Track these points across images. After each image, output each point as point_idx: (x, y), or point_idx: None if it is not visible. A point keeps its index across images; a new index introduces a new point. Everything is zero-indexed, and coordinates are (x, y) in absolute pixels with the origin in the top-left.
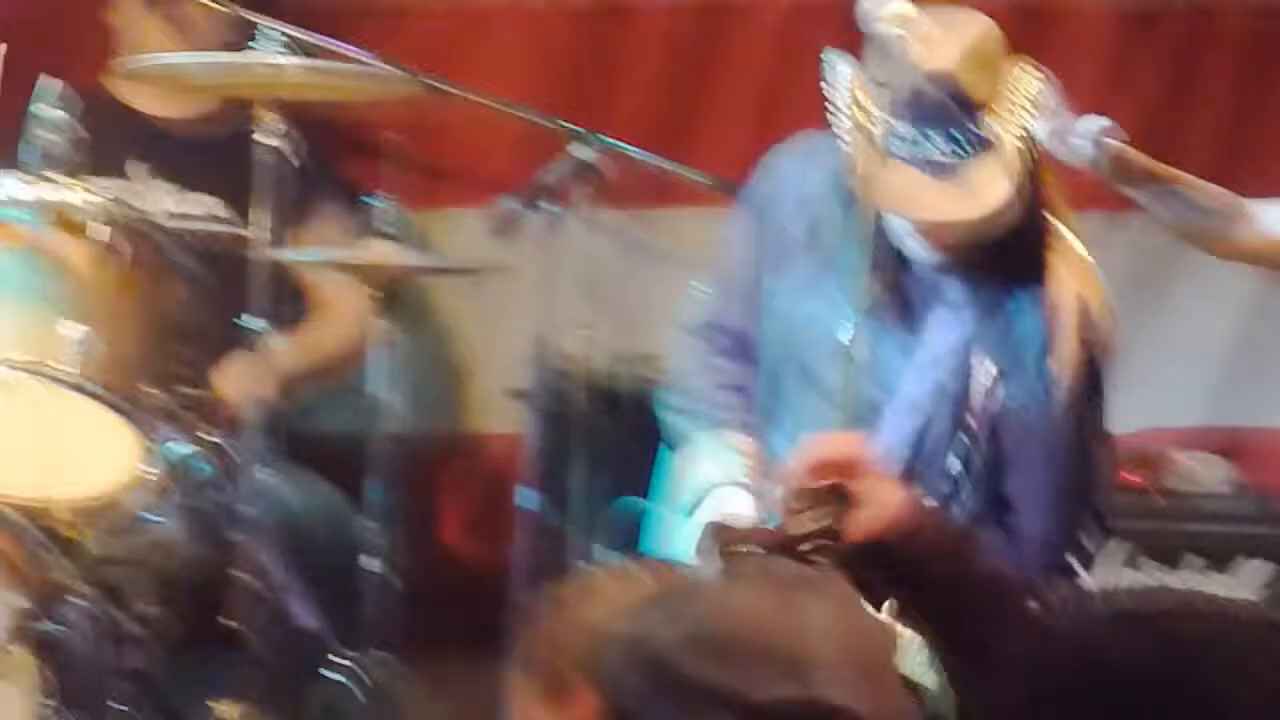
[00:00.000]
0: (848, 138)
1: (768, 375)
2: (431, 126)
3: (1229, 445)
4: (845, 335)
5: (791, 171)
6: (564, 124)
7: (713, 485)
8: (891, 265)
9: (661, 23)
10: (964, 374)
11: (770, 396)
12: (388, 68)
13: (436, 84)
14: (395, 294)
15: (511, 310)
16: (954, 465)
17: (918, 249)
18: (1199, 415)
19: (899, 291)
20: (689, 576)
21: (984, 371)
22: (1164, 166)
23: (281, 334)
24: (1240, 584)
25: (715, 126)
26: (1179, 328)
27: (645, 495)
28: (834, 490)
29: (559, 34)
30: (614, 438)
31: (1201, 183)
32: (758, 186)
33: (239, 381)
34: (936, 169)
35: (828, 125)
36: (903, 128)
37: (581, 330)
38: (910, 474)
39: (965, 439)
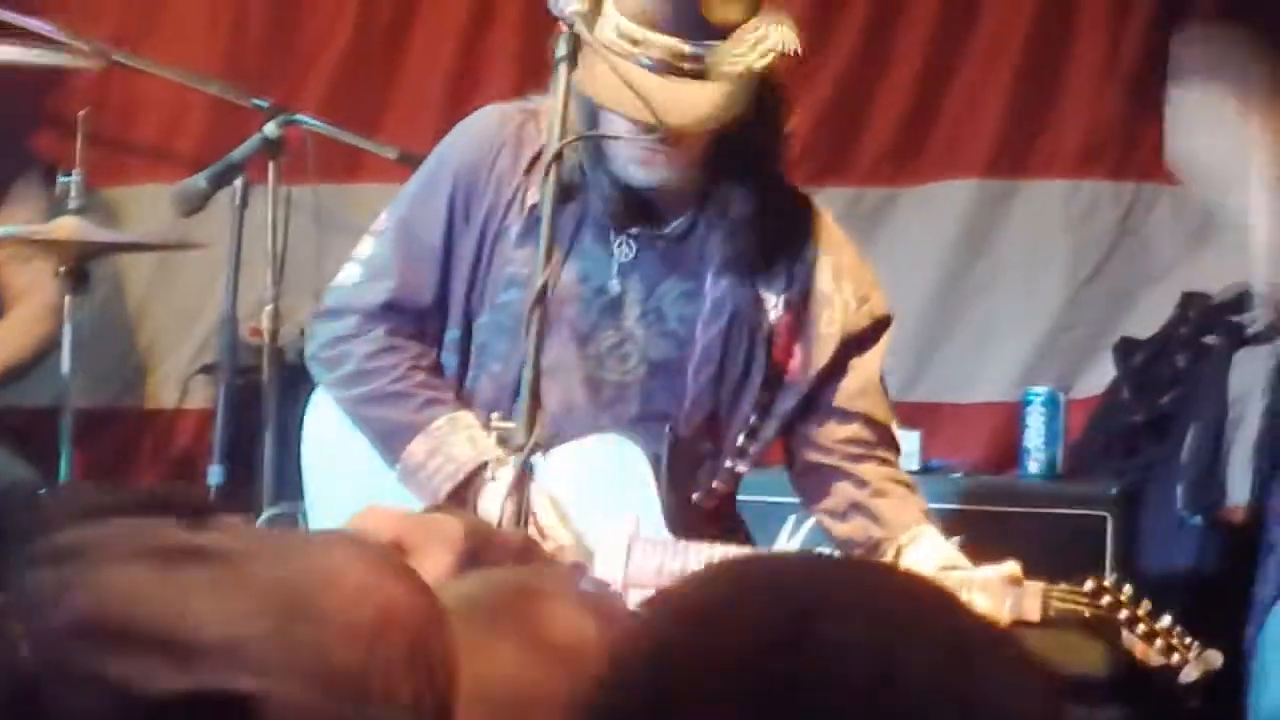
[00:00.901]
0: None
1: (503, 351)
2: (121, 101)
3: (918, 419)
4: (614, 288)
5: (489, 134)
6: (254, 100)
7: (480, 465)
8: (648, 214)
9: None
10: (752, 315)
11: (501, 370)
12: (75, 41)
13: (125, 59)
14: (84, 270)
15: (201, 286)
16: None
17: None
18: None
19: (669, 239)
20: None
21: (770, 306)
22: None
23: None
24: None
25: (405, 101)
26: None
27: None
28: None
29: (251, 8)
30: (303, 412)
31: None
32: (453, 158)
33: None
34: (664, 71)
35: (517, 97)
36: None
37: (271, 306)
38: (716, 425)
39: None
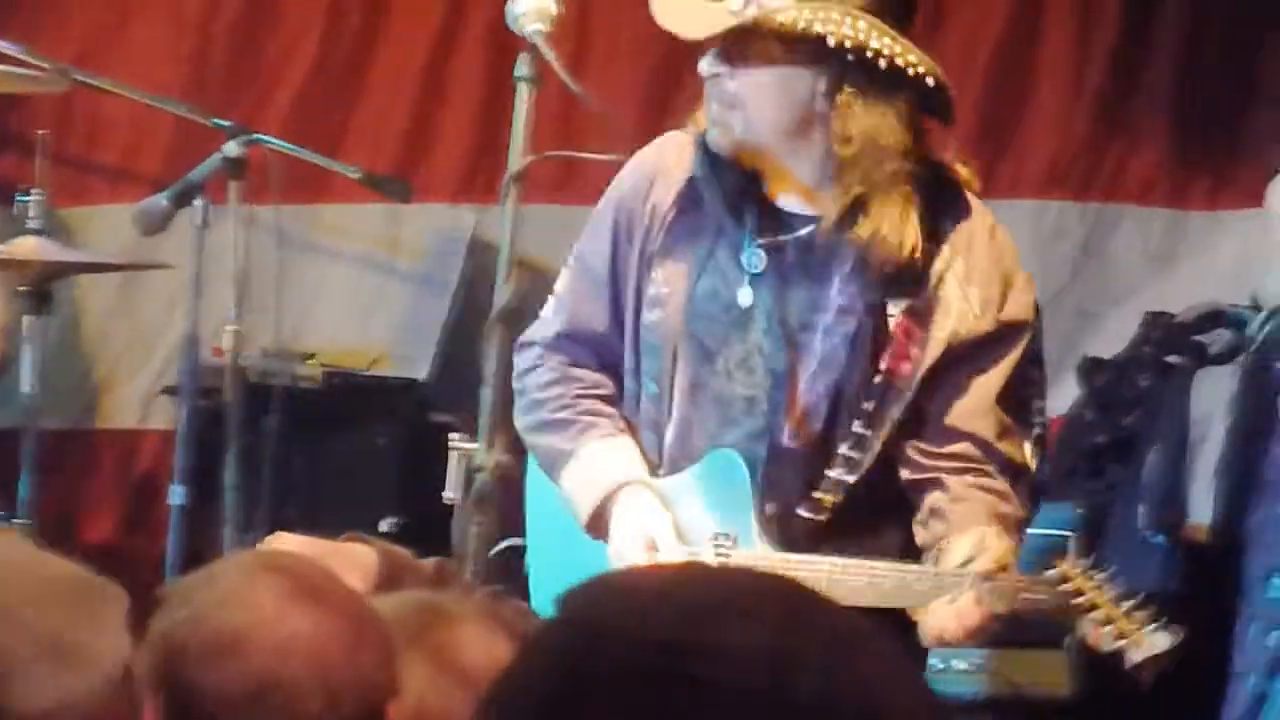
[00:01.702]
0: None
1: (655, 371)
2: (84, 121)
3: None
4: (745, 299)
5: (639, 162)
6: (216, 120)
7: (614, 489)
8: (779, 223)
9: (316, 17)
10: (875, 323)
11: (659, 392)
12: (38, 61)
13: (87, 78)
14: (46, 291)
15: (163, 307)
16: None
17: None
18: None
19: (799, 248)
20: None
21: (894, 312)
22: None
23: None
24: None
25: (369, 121)
26: None
27: (303, 494)
28: None
29: (214, 29)
30: (267, 433)
31: None
32: (617, 188)
33: None
34: None
35: (479, 121)
36: None
37: (233, 326)
38: (830, 435)
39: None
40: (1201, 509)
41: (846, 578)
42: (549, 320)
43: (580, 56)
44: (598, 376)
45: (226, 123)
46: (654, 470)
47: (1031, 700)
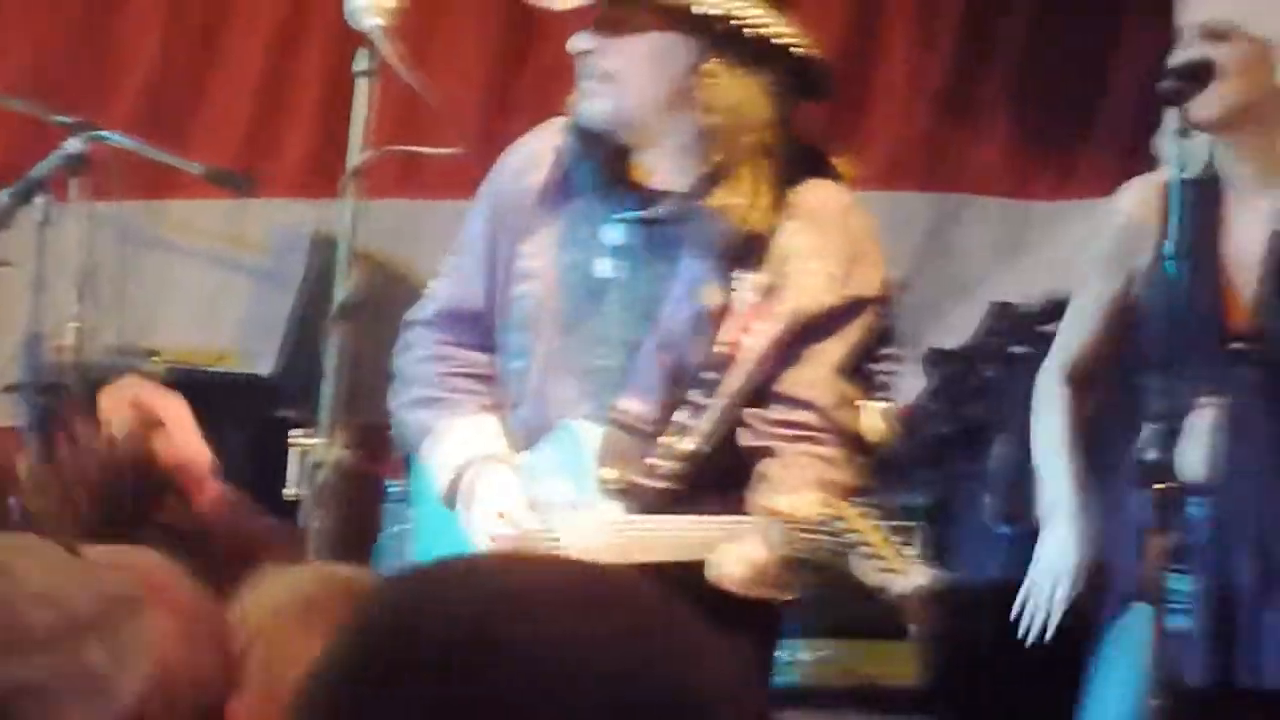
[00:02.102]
0: None
1: (522, 346)
2: None
3: None
4: (602, 272)
5: (518, 146)
6: (57, 117)
7: (470, 462)
8: (643, 198)
9: (158, 13)
10: (722, 296)
11: (526, 366)
12: None
13: None
14: None
15: (6, 304)
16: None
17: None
18: None
19: (658, 221)
20: None
21: (750, 286)
22: None
23: None
24: None
25: (213, 117)
26: None
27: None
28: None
29: (56, 24)
30: None
31: None
32: (496, 170)
33: None
34: None
35: (322, 117)
36: None
37: (75, 323)
38: (671, 404)
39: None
40: None
41: (652, 533)
42: (429, 301)
43: (423, 49)
44: (472, 355)
45: (68, 119)
46: (518, 443)
47: (883, 690)
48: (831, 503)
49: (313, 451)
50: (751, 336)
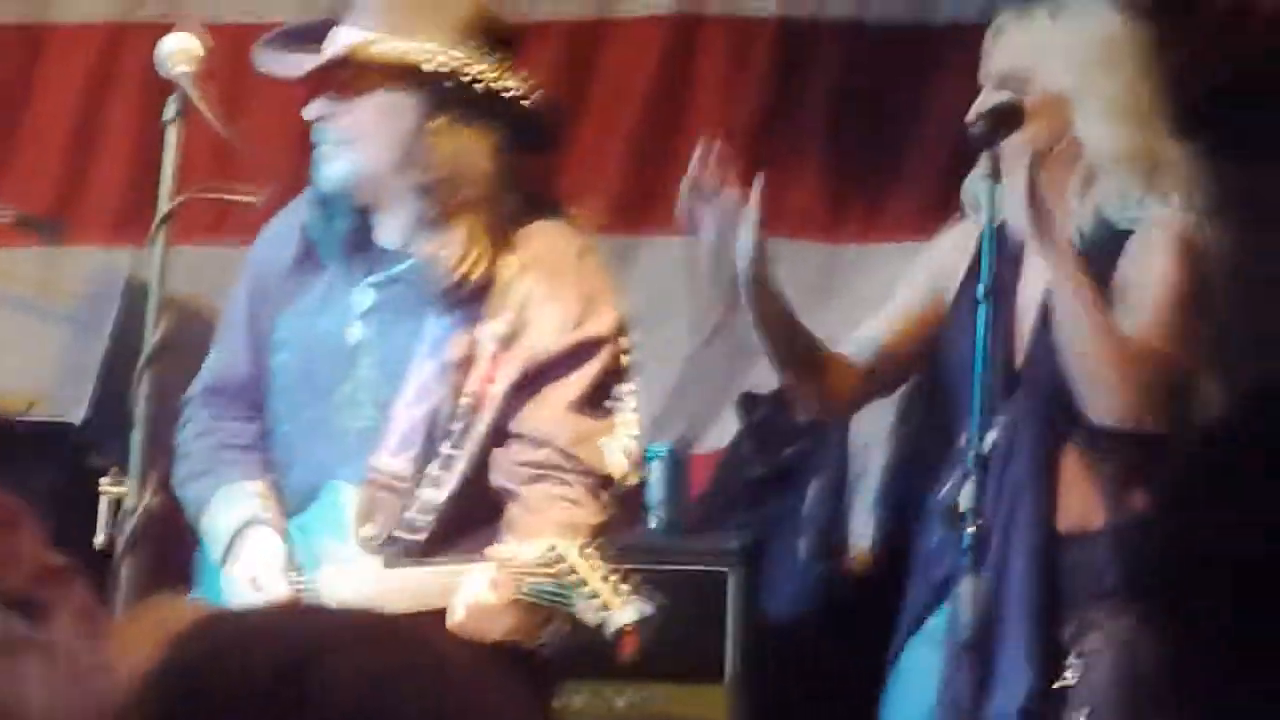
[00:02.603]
0: None
1: (284, 411)
2: None
3: None
4: (353, 337)
5: (272, 221)
6: None
7: (238, 528)
8: (386, 259)
9: None
10: (466, 349)
11: (289, 430)
12: None
13: None
14: None
15: None
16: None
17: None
18: None
19: (401, 281)
20: None
21: (489, 336)
22: None
23: None
24: None
25: (24, 164)
26: None
27: None
28: None
29: None
30: None
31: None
32: (256, 243)
33: None
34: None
35: (134, 163)
36: None
37: None
38: (424, 458)
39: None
40: (862, 539)
41: (400, 584)
42: (200, 376)
43: (236, 96)
44: (238, 426)
45: None
46: (291, 505)
47: None
48: (556, 544)
49: (123, 499)
50: (496, 384)
